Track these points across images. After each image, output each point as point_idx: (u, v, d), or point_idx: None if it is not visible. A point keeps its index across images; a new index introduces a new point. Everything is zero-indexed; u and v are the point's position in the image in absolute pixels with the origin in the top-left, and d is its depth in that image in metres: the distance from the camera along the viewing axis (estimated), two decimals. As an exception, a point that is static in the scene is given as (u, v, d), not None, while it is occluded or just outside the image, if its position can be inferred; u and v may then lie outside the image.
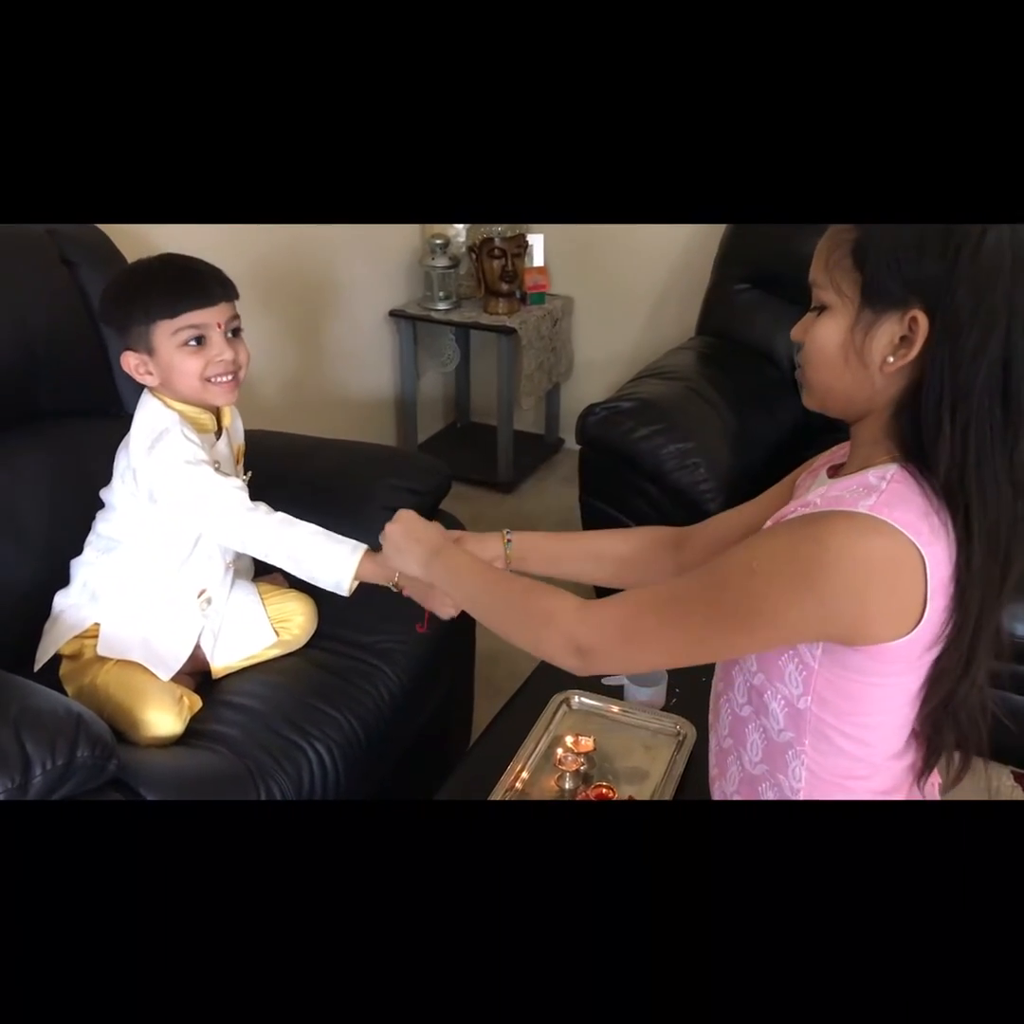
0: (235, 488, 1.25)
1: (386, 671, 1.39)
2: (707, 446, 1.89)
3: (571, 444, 2.90)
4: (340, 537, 1.22)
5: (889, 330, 0.74)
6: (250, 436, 1.46)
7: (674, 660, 0.83)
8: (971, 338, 0.70)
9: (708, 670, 0.97)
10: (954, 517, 0.72)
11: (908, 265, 0.71)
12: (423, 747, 1.51)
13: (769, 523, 0.82)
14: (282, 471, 1.56)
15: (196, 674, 1.36)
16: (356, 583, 1.19)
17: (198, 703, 1.29)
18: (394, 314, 2.72)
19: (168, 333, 1.21)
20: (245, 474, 1.42)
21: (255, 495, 1.39)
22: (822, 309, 0.78)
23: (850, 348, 0.76)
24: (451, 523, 1.67)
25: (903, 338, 0.73)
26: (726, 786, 0.91)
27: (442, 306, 2.70)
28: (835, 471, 0.86)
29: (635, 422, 1.88)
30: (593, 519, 2.06)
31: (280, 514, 1.24)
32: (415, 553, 1.03)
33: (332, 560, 1.19)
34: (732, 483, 1.87)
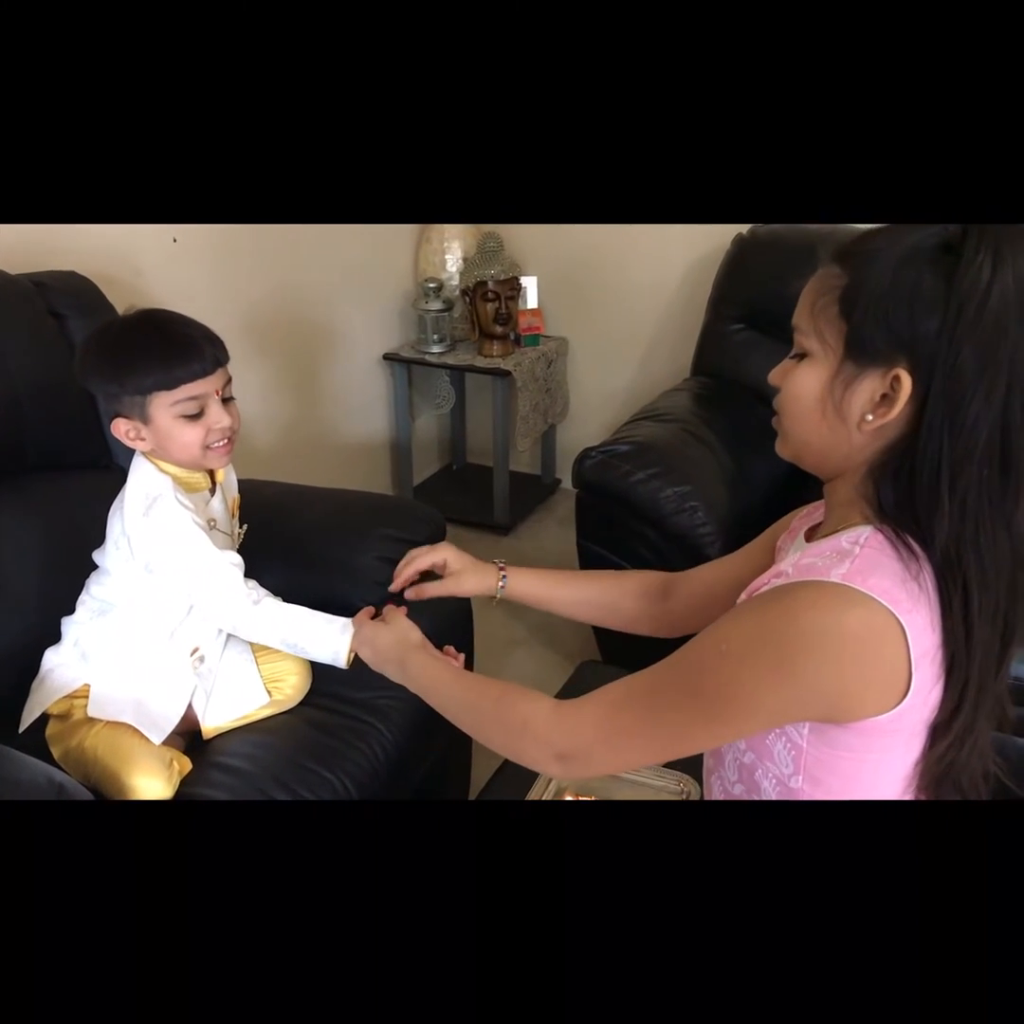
0: (230, 565, 1.22)
1: (380, 729, 1.36)
2: (705, 489, 1.86)
3: (568, 485, 2.88)
4: (330, 617, 1.19)
5: (870, 387, 0.70)
6: (245, 486, 1.44)
7: (659, 756, 0.78)
8: (974, 403, 0.65)
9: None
10: (951, 591, 0.68)
11: (898, 320, 0.67)
12: (420, 806, 1.46)
13: (743, 596, 0.78)
14: (275, 523, 1.54)
15: (186, 734, 1.32)
16: (353, 654, 1.16)
17: (188, 766, 1.25)
18: (388, 357, 2.72)
19: (166, 404, 1.18)
20: (241, 527, 1.40)
21: (248, 548, 1.37)
22: (803, 356, 0.74)
23: (828, 401, 0.72)
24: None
25: (884, 396, 0.69)
26: None
27: (436, 349, 2.69)
28: (813, 533, 0.83)
29: (632, 465, 1.86)
30: (591, 563, 2.03)
31: (269, 600, 1.22)
32: (392, 671, 1.01)
33: (324, 642, 1.17)
34: (731, 526, 1.84)
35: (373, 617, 1.09)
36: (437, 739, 1.48)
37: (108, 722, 1.24)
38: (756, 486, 1.98)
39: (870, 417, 0.70)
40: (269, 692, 1.36)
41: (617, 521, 1.91)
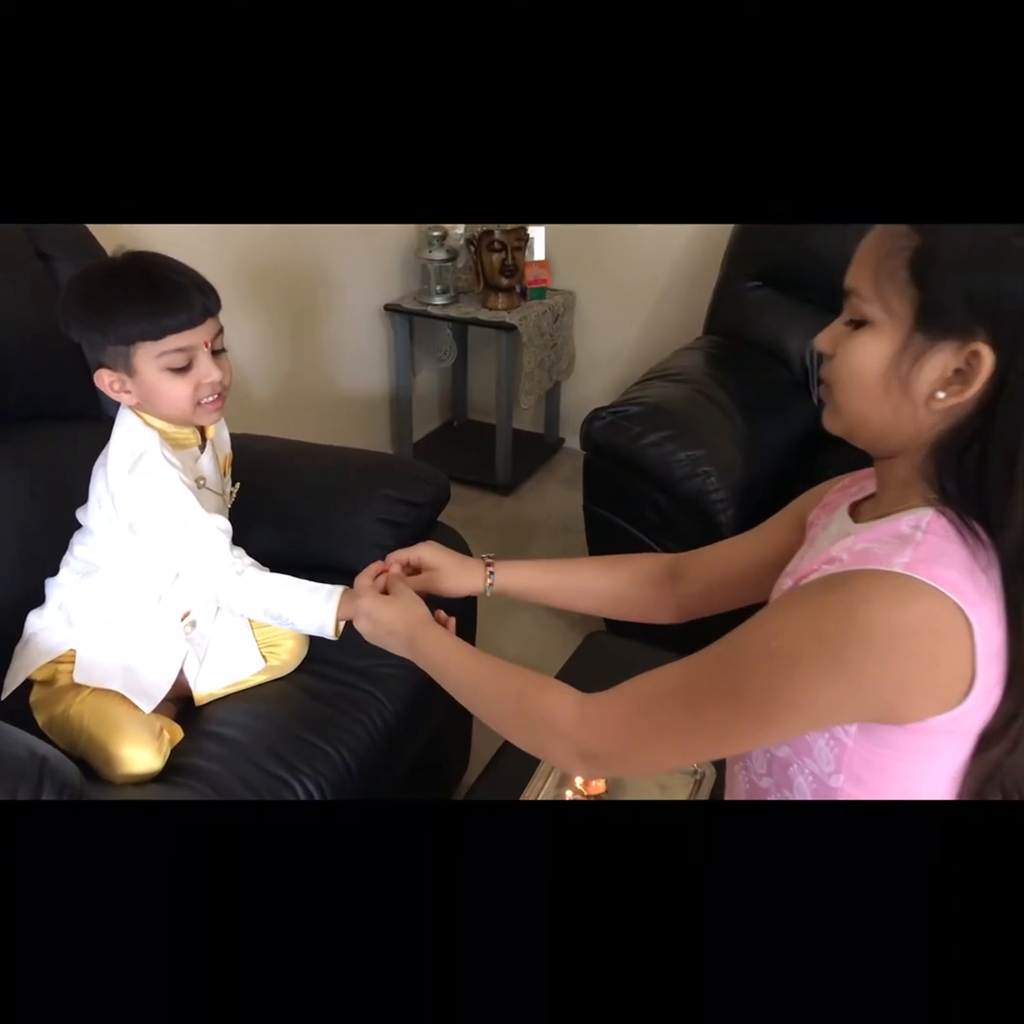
0: (217, 530, 1.15)
1: (379, 698, 1.30)
2: (718, 453, 1.80)
3: (572, 444, 2.83)
4: (314, 585, 1.11)
5: (942, 361, 0.63)
6: (237, 441, 1.37)
7: (695, 758, 0.71)
8: None
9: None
10: (1019, 588, 0.62)
11: (981, 288, 0.60)
12: (419, 782, 1.42)
13: (789, 582, 0.72)
14: (269, 481, 1.47)
15: (177, 700, 1.27)
16: (342, 624, 1.10)
17: (179, 734, 1.20)
18: (389, 309, 2.64)
19: (151, 355, 1.10)
20: (232, 486, 1.33)
21: (241, 508, 1.31)
22: (861, 323, 0.67)
23: (894, 376, 0.65)
24: (446, 534, 1.58)
25: (957, 371, 0.62)
26: None
27: (439, 301, 2.61)
28: (856, 509, 0.76)
29: (643, 428, 1.80)
30: (598, 528, 1.97)
31: (252, 571, 1.14)
32: (395, 645, 0.94)
33: (309, 613, 1.10)
34: (744, 492, 1.78)
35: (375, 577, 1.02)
36: (437, 709, 1.43)
37: (95, 688, 1.18)
38: (771, 450, 1.92)
39: (942, 395, 0.63)
40: (264, 657, 1.31)
41: (626, 485, 1.85)
